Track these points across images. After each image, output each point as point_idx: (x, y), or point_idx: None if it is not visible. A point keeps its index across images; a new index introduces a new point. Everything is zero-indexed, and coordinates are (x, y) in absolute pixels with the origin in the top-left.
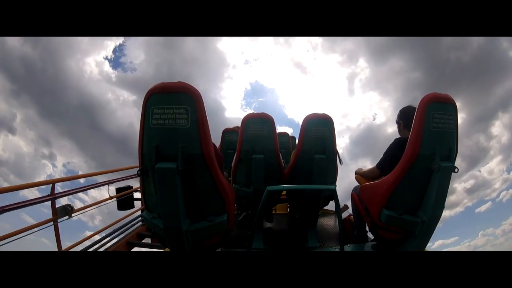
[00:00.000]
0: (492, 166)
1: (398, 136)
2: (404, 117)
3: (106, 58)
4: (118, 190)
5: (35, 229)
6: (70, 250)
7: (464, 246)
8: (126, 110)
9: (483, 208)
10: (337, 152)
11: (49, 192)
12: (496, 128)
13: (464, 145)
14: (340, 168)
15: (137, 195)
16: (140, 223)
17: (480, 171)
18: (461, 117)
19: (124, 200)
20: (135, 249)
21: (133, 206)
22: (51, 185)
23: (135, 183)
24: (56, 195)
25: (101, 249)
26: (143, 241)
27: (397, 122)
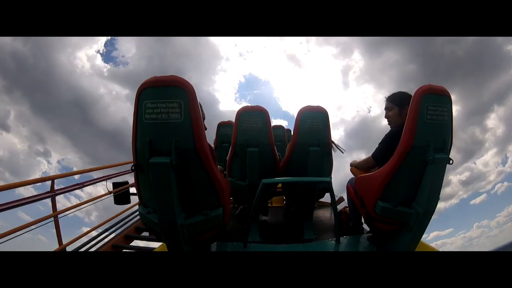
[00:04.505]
0: (487, 159)
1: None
2: (401, 102)
3: (98, 52)
4: (114, 185)
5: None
6: (66, 248)
7: (459, 238)
8: (118, 105)
9: (478, 200)
10: (334, 143)
11: (46, 189)
12: (492, 121)
13: (459, 137)
14: (335, 160)
15: (134, 190)
16: (138, 217)
17: (475, 163)
18: (456, 109)
19: (120, 195)
20: (134, 242)
21: (129, 201)
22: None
23: (131, 178)
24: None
25: (99, 244)
26: (141, 234)
27: (398, 105)
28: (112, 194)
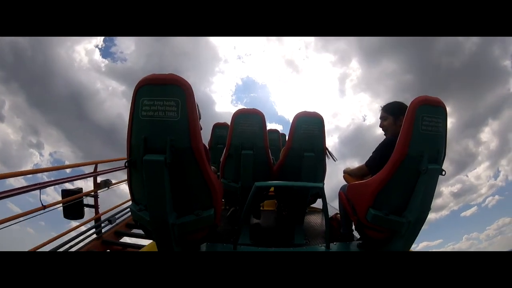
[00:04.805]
0: (480, 172)
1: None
2: (396, 111)
3: (97, 46)
4: (64, 193)
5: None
6: (55, 241)
7: (448, 249)
8: (114, 101)
9: (468, 212)
10: (328, 150)
11: (34, 182)
12: (486, 134)
13: (452, 149)
14: (328, 167)
15: (89, 200)
16: (129, 213)
17: (467, 176)
18: (451, 122)
19: (71, 206)
20: (124, 239)
21: (82, 215)
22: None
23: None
24: (99, 173)
25: (89, 239)
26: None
27: (394, 115)
28: (46, 209)
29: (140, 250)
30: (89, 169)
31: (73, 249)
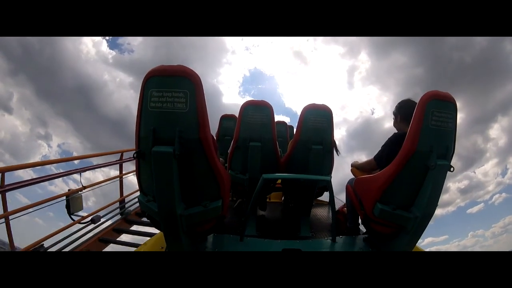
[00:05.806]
0: (487, 169)
1: (395, 130)
2: (403, 111)
3: (104, 38)
4: None
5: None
6: (67, 230)
7: (453, 245)
8: (122, 92)
9: (475, 209)
10: (335, 143)
11: (43, 174)
12: (495, 131)
13: (461, 145)
14: (336, 160)
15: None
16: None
17: (475, 172)
18: (460, 117)
19: None
20: (134, 227)
21: None
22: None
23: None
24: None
25: (99, 228)
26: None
27: (395, 114)
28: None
29: (148, 239)
30: (97, 160)
31: (78, 242)
